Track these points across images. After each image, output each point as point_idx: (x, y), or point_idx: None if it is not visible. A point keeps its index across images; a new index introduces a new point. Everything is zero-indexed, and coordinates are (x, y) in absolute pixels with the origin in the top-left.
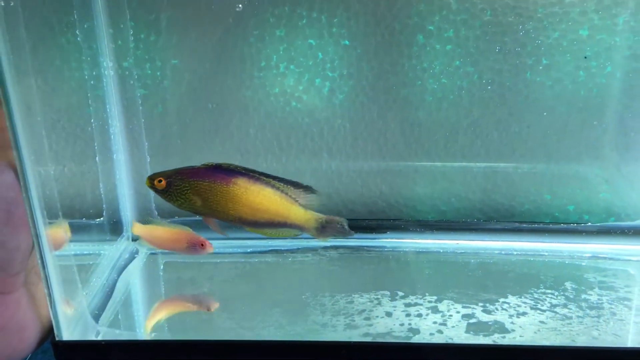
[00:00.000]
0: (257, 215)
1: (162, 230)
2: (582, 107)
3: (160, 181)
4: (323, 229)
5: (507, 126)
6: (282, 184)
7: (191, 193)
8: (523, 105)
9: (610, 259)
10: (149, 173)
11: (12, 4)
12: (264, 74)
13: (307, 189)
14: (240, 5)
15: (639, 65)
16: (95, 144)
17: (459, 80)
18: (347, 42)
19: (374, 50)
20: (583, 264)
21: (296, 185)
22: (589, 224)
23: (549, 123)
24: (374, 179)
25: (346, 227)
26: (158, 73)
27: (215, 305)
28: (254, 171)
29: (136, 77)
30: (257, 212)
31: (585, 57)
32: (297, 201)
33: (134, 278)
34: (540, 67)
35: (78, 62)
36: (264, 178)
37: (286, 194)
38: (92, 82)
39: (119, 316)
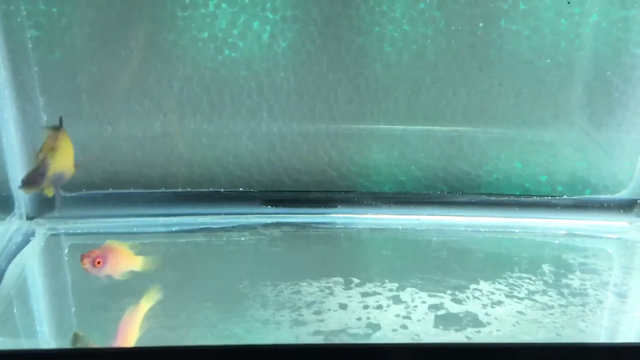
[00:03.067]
0: None
1: None
2: (561, 62)
3: None
4: None
5: (476, 83)
6: None
7: None
8: (495, 59)
9: (588, 236)
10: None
11: None
12: (189, 13)
13: None
14: None
15: (629, 14)
16: None
17: (424, 27)
18: None
19: None
20: (557, 242)
21: None
22: (564, 197)
23: (524, 80)
24: (323, 144)
25: None
26: (54, 9)
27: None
28: None
29: (24, 13)
30: None
31: (569, 2)
32: None
33: (29, 266)
34: (517, 13)
35: None
36: None
37: None
38: None
39: (10, 318)
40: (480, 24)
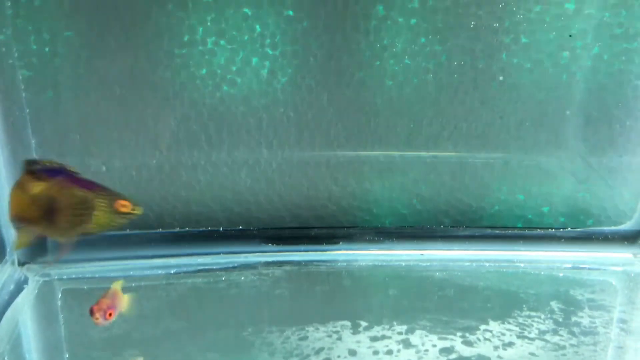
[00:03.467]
0: None
1: None
2: (563, 95)
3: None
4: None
5: (478, 116)
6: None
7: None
8: (497, 92)
9: (593, 269)
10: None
11: None
12: (187, 50)
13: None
14: None
15: (630, 46)
16: None
17: (425, 61)
18: (290, 13)
19: (323, 23)
20: (562, 275)
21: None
22: (568, 229)
23: (526, 113)
24: (323, 179)
25: None
26: (47, 49)
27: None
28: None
29: (16, 54)
30: None
31: (570, 36)
32: None
33: (24, 316)
34: (519, 47)
35: None
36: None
37: None
38: None
39: None
40: (482, 58)
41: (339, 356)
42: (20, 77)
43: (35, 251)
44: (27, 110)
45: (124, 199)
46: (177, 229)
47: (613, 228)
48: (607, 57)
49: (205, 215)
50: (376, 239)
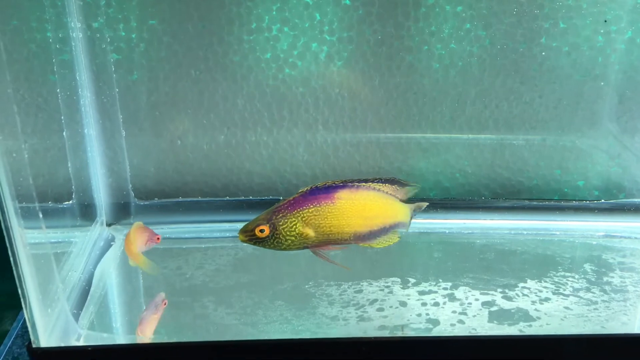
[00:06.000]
0: (370, 224)
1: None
2: (598, 76)
3: (262, 230)
4: (410, 219)
5: (518, 96)
6: (379, 184)
7: (301, 226)
8: (536, 73)
9: (624, 237)
10: (124, 150)
11: None
12: (254, 37)
13: (402, 183)
14: None
15: None
16: (62, 117)
17: (469, 45)
18: (347, 2)
19: (377, 12)
20: (596, 242)
21: (392, 181)
22: (602, 201)
23: (563, 93)
24: (373, 154)
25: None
26: (133, 35)
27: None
28: (350, 180)
29: (108, 39)
30: (369, 220)
31: (605, 21)
32: (397, 198)
33: (112, 270)
34: (557, 31)
35: (40, 22)
36: (362, 183)
37: (387, 192)
38: (57, 46)
39: (101, 316)
40: (522, 42)
41: (390, 306)
42: (111, 60)
43: (120, 214)
44: (117, 90)
45: None
46: (242, 197)
47: None
48: None
49: (266, 185)
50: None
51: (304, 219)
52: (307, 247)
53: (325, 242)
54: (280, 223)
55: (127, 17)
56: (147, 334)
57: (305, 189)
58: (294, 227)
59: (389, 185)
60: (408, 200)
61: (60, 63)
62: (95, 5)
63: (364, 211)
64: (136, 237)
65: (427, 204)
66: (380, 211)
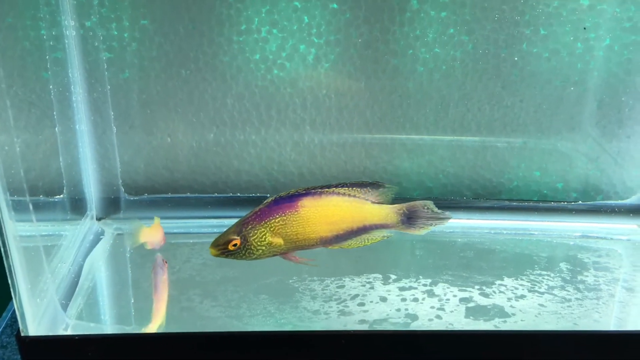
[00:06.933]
0: (336, 228)
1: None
2: (577, 81)
3: (235, 244)
4: (410, 220)
5: (499, 100)
6: (346, 189)
7: (270, 236)
8: (517, 78)
9: (600, 238)
10: (115, 146)
11: None
12: (243, 38)
13: (374, 185)
14: None
15: (639, 38)
16: (55, 113)
17: (453, 49)
18: (335, 6)
19: (364, 15)
20: (572, 243)
21: (361, 185)
22: (580, 202)
23: (543, 97)
24: (359, 154)
25: (435, 209)
26: (125, 34)
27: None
28: (313, 187)
29: (101, 38)
30: (334, 225)
31: (585, 29)
32: (368, 200)
33: (101, 262)
34: (538, 38)
35: (34, 20)
36: (326, 190)
37: (354, 196)
38: (50, 43)
39: (89, 307)
40: (504, 47)
41: (371, 301)
42: (103, 58)
43: (110, 208)
44: (108, 87)
45: None
46: (230, 194)
47: (620, 202)
48: (618, 48)
49: (254, 183)
50: None
51: (271, 228)
52: (276, 255)
53: (293, 248)
54: (251, 234)
55: (120, 17)
56: (163, 297)
57: (270, 199)
58: (264, 237)
59: (358, 189)
60: (394, 201)
61: (53, 60)
62: (88, 4)
63: (327, 217)
64: (158, 230)
65: (429, 201)
66: (345, 215)
